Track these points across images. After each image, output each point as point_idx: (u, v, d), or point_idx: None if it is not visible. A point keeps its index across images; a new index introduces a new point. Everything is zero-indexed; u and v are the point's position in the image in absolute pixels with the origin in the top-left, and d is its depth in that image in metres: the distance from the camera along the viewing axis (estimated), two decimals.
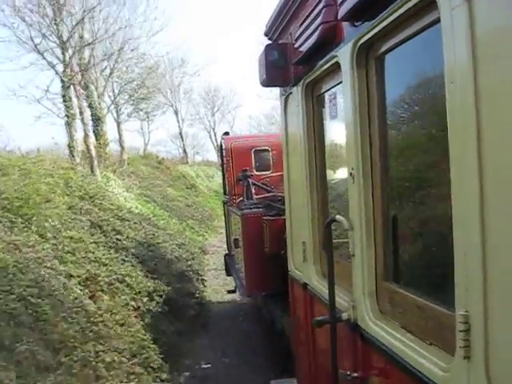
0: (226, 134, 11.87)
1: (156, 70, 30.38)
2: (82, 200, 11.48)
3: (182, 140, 53.93)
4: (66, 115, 18.91)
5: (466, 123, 1.62)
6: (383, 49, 2.41)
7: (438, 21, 1.82)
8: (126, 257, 9.67)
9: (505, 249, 1.52)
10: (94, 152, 19.43)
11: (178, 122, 53.95)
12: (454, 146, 1.73)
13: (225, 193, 11.69)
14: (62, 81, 18.90)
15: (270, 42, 4.47)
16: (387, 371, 2.46)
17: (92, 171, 18.70)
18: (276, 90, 4.50)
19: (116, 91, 27.22)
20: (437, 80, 1.95)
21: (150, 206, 21.27)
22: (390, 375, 2.44)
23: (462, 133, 1.66)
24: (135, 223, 12.80)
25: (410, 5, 2.00)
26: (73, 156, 18.84)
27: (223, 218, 13.06)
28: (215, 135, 60.17)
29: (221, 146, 11.42)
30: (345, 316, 2.84)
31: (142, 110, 32.58)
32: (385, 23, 2.23)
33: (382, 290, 2.59)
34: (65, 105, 18.95)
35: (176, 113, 53.51)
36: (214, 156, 54.77)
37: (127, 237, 10.81)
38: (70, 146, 19.05)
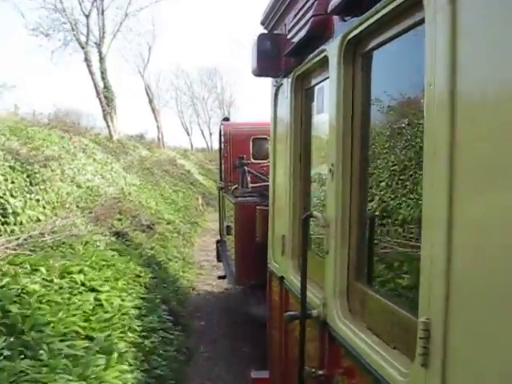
0: (226, 119, 11.93)
1: None
2: None
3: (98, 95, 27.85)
4: None
5: (440, 127, 1.59)
6: (370, 46, 2.37)
7: (423, 21, 1.79)
8: None
9: (469, 260, 1.50)
10: None
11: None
12: (427, 147, 1.71)
13: (221, 179, 11.70)
14: None
15: (265, 31, 4.41)
16: (351, 371, 2.44)
17: None
18: None
19: None
20: (420, 81, 1.92)
21: None
22: (353, 375, 2.43)
23: (436, 136, 1.63)
24: None
25: (397, 2, 1.96)
26: None
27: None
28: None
29: (220, 131, 11.44)
30: (315, 313, 2.83)
31: None
32: (373, 19, 2.18)
33: (353, 290, 2.57)
34: None
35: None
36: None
37: None
38: None
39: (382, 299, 2.26)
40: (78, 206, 11.98)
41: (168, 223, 16.33)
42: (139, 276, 8.97)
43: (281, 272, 3.94)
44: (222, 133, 10.97)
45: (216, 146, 52.07)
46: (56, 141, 16.23)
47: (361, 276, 2.55)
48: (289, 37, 3.46)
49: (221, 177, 11.79)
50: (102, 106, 28.38)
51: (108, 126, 28.19)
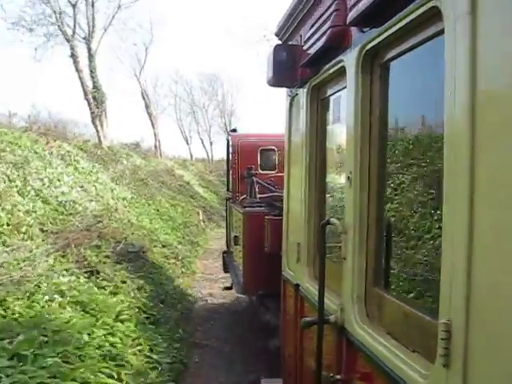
0: (234, 130, 12.05)
1: None
2: None
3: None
4: None
5: (461, 134, 1.64)
6: (388, 56, 2.43)
7: (442, 31, 1.84)
8: None
9: (490, 262, 1.54)
10: None
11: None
12: (448, 155, 1.75)
13: (228, 189, 11.80)
14: None
15: (279, 42, 4.50)
16: (369, 376, 2.48)
17: None
18: None
19: None
20: (439, 90, 1.97)
21: None
22: (371, 380, 2.46)
23: (456, 144, 1.68)
24: None
25: (417, 13, 2.02)
26: None
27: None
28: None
29: (227, 142, 11.56)
30: (332, 318, 2.86)
31: None
32: (391, 30, 2.24)
33: (371, 296, 2.61)
34: None
35: None
36: None
37: None
38: None
39: (400, 303, 2.30)
40: (42, 230, 9.08)
41: (164, 246, 13.90)
42: (111, 358, 5.51)
43: (296, 279, 3.98)
44: (230, 143, 11.11)
45: (217, 156, 50.69)
46: (28, 145, 13.67)
47: (378, 281, 2.59)
48: (305, 48, 3.53)
49: (228, 187, 11.91)
50: (91, 109, 25.03)
51: (97, 131, 24.94)
